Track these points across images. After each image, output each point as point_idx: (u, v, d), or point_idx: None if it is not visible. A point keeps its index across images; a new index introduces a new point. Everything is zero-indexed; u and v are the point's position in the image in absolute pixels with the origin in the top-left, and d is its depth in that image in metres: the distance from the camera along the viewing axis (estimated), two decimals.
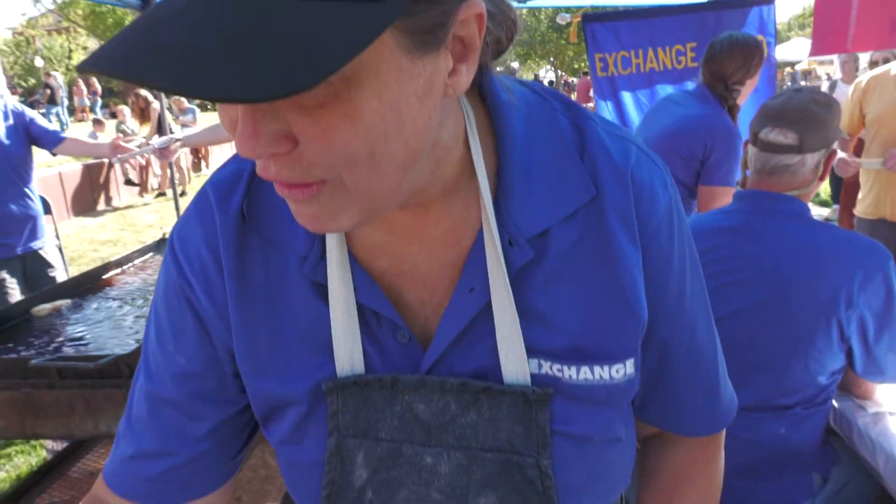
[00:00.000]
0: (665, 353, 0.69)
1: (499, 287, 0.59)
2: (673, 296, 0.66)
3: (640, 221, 0.62)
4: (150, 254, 3.08)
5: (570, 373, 0.62)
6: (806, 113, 1.52)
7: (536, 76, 31.20)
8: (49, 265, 3.14)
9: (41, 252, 3.10)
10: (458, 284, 0.61)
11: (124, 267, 2.85)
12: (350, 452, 0.64)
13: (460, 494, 0.63)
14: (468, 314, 0.61)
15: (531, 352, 0.61)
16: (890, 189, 3.01)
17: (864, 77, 3.01)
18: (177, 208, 4.63)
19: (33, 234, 3.06)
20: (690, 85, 3.45)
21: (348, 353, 0.62)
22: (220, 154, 13.56)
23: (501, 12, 0.56)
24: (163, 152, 2.87)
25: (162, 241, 3.20)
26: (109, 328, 2.10)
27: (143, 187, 10.20)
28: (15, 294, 2.93)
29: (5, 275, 2.94)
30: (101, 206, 9.22)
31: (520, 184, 0.59)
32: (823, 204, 7.48)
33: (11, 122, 2.93)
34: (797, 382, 1.49)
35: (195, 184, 11.01)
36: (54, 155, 3.14)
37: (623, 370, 0.63)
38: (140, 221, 8.31)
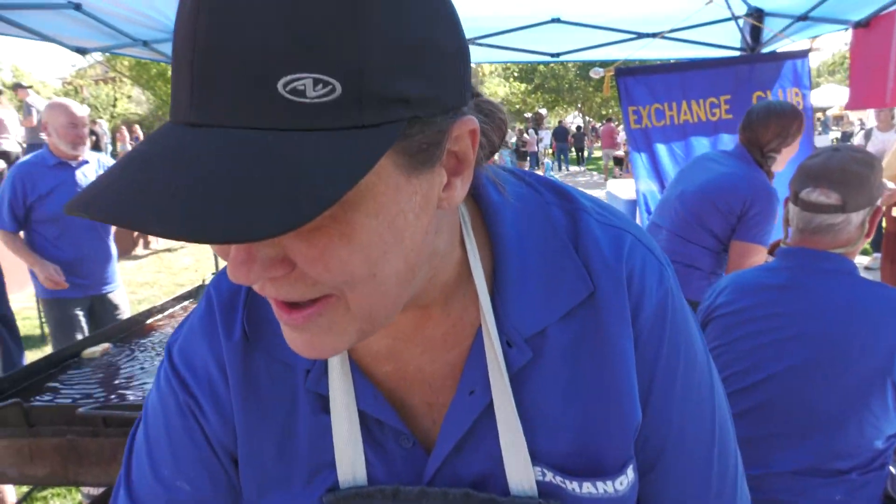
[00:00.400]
0: (651, 452, 0.64)
1: (499, 389, 0.58)
2: (658, 391, 0.62)
3: (632, 313, 0.59)
4: (191, 300, 3.15)
5: (573, 486, 0.60)
6: (847, 173, 1.51)
7: (561, 122, 31.52)
8: (116, 307, 3.29)
9: (110, 295, 3.27)
10: (459, 387, 0.60)
11: (166, 312, 2.91)
12: None
13: None
14: (470, 417, 0.59)
15: (534, 458, 0.59)
16: None
17: None
18: (216, 255, 4.73)
19: (108, 278, 3.25)
20: (726, 138, 3.47)
21: (350, 463, 0.61)
22: None
23: (493, 120, 0.56)
24: None
25: (201, 287, 3.28)
26: (150, 374, 2.14)
27: None
28: (83, 334, 3.07)
29: (78, 313, 3.11)
30: (140, 249, 9.47)
31: (516, 284, 0.58)
32: (863, 252, 7.32)
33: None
34: (852, 446, 1.43)
35: None
36: None
37: (626, 480, 0.61)
38: (176, 264, 8.50)
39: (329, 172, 0.36)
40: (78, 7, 2.98)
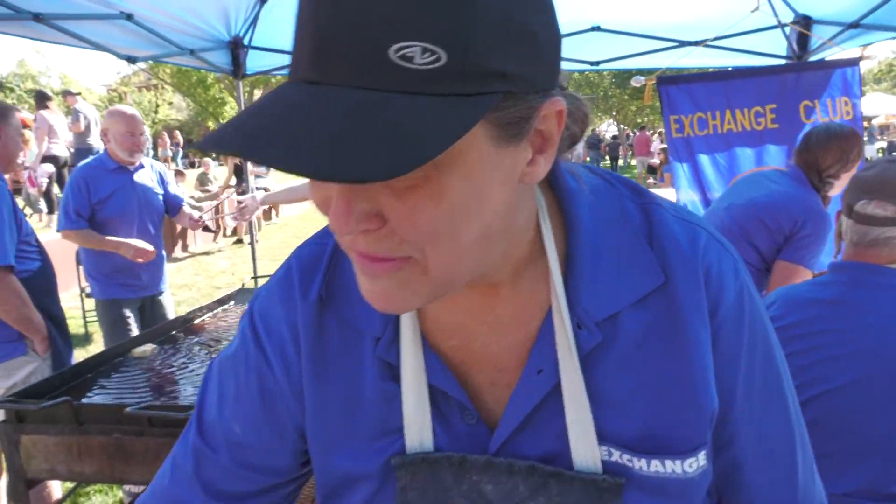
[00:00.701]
0: (734, 446, 0.65)
1: (569, 369, 0.59)
2: (741, 385, 0.64)
3: (710, 307, 0.61)
4: (231, 303, 3.21)
5: (640, 464, 0.60)
6: None
7: (594, 130, 31.27)
8: (164, 309, 3.42)
9: (160, 297, 3.39)
10: (527, 366, 0.61)
11: (208, 315, 2.97)
12: None
13: None
14: (536, 396, 0.60)
15: (601, 438, 0.60)
16: None
17: None
18: (253, 257, 4.81)
19: (159, 280, 3.38)
20: (772, 149, 3.39)
21: (418, 431, 0.63)
22: (291, 206, 14.11)
23: (578, 109, 0.59)
24: (241, 211, 3.08)
25: (240, 290, 3.34)
26: (191, 374, 2.18)
27: (217, 233, 10.70)
28: (133, 334, 3.16)
29: (130, 314, 3.22)
30: (178, 251, 9.68)
31: (588, 268, 0.60)
32: None
33: (157, 178, 3.37)
34: None
35: (266, 232, 11.46)
36: (172, 218, 3.51)
37: (696, 463, 0.61)
38: (213, 267, 8.67)
39: (429, 133, 0.40)
40: (129, 17, 3.07)
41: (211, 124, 32.08)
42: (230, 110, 30.43)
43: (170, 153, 22.19)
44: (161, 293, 3.39)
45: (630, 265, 0.60)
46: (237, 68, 4.23)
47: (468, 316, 0.63)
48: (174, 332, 2.71)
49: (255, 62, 4.33)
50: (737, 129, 3.37)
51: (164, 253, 3.41)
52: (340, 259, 0.66)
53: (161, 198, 3.37)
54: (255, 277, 4.24)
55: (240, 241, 10.57)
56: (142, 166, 3.24)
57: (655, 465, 0.60)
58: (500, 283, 0.61)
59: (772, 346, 0.66)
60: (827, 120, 3.31)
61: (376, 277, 0.50)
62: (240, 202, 3.25)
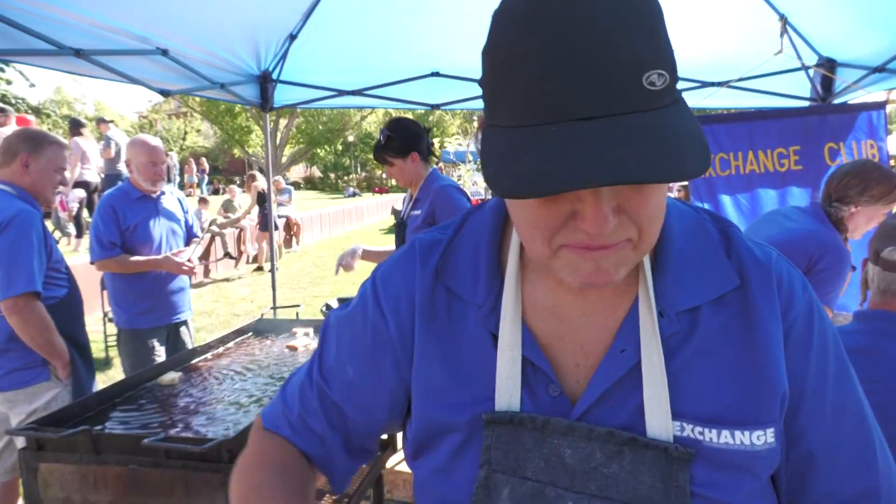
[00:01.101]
0: (806, 440, 0.71)
1: (650, 350, 0.67)
2: (812, 379, 0.71)
3: (782, 309, 0.70)
4: (250, 333, 3.22)
5: (710, 435, 0.66)
6: None
7: None
8: (186, 336, 3.45)
9: (183, 326, 3.42)
10: (612, 346, 0.69)
11: (227, 345, 2.99)
12: (497, 487, 0.69)
13: None
14: (618, 372, 0.68)
15: (675, 415, 0.66)
16: None
17: None
18: (273, 286, 4.84)
19: (184, 305, 3.42)
20: (795, 191, 3.36)
21: (508, 394, 0.70)
22: (311, 234, 14.25)
23: None
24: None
25: (259, 321, 3.35)
26: (207, 407, 2.19)
27: (238, 260, 10.82)
28: (160, 359, 3.20)
29: (156, 343, 3.25)
30: (200, 277, 9.80)
31: (673, 269, 0.70)
32: None
33: (178, 205, 3.47)
34: None
35: (285, 259, 11.56)
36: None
37: (764, 437, 0.67)
38: (233, 294, 8.76)
39: (699, 131, 0.56)
40: (165, 52, 3.17)
41: (237, 152, 32.70)
42: (256, 138, 31.03)
43: (195, 179, 22.64)
44: (186, 319, 3.42)
45: (710, 270, 0.71)
46: (265, 101, 4.33)
47: (564, 301, 0.72)
48: (193, 361, 2.72)
49: (282, 95, 4.43)
50: (759, 171, 3.36)
51: (187, 279, 3.45)
52: (457, 245, 0.79)
53: (183, 224, 3.45)
54: (275, 308, 4.26)
55: (260, 269, 10.67)
56: (163, 193, 3.32)
57: (725, 437, 0.66)
58: None
59: (844, 357, 0.75)
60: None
61: (600, 261, 0.61)
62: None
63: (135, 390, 2.34)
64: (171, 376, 2.45)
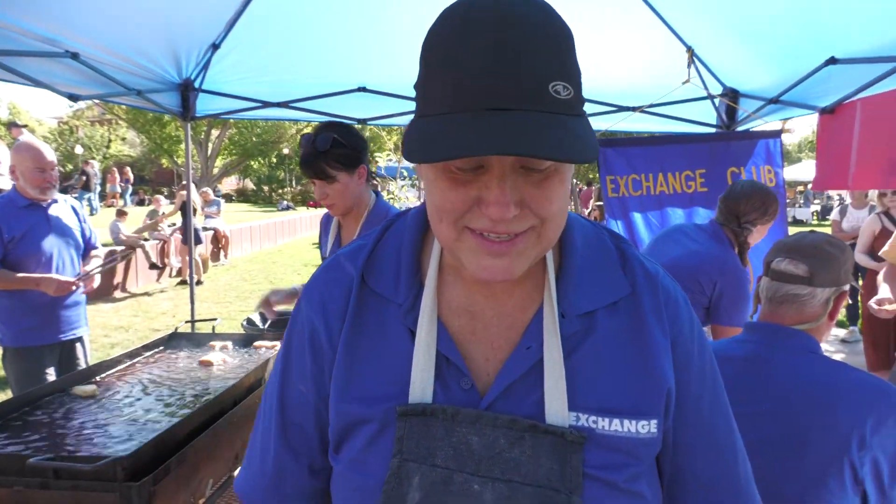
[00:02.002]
0: (687, 436, 0.81)
1: (551, 347, 0.75)
2: (694, 389, 0.80)
3: (669, 319, 0.79)
4: (161, 347, 3.10)
5: (603, 423, 0.74)
6: (818, 249, 1.56)
7: None
8: (84, 352, 3.22)
9: (79, 342, 3.20)
10: (519, 343, 0.77)
11: (137, 359, 2.86)
12: (408, 475, 0.74)
13: None
14: (523, 367, 0.75)
15: (572, 406, 0.74)
16: None
17: None
18: (192, 300, 4.68)
19: (78, 321, 3.18)
20: (701, 211, 3.57)
21: (421, 387, 0.76)
22: (239, 248, 13.87)
23: None
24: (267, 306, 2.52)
25: (173, 335, 3.22)
26: (110, 424, 2.09)
27: (161, 272, 10.39)
28: (51, 379, 2.97)
29: (48, 361, 3.01)
30: (118, 292, 9.35)
31: (575, 275, 0.79)
32: (840, 325, 7.37)
33: (73, 215, 3.22)
34: None
35: (212, 273, 11.19)
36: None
37: (648, 427, 0.75)
38: (154, 308, 8.39)
39: (591, 137, 0.65)
40: (75, 56, 3.05)
41: (165, 162, 31.50)
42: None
43: (119, 189, 21.64)
44: (80, 338, 3.20)
45: (607, 278, 0.80)
46: (186, 111, 4.23)
47: (477, 302, 0.80)
48: (95, 378, 2.59)
49: (204, 105, 4.34)
50: (668, 192, 3.55)
51: (81, 293, 3.21)
52: (380, 249, 0.85)
53: (79, 233, 3.21)
54: (192, 321, 4.12)
55: (184, 283, 10.27)
56: (55, 201, 3.10)
57: (615, 425, 0.74)
58: (510, 282, 0.75)
59: (717, 370, 0.85)
60: None
61: (501, 255, 0.68)
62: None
63: (19, 412, 2.21)
64: (91, 388, 2.36)
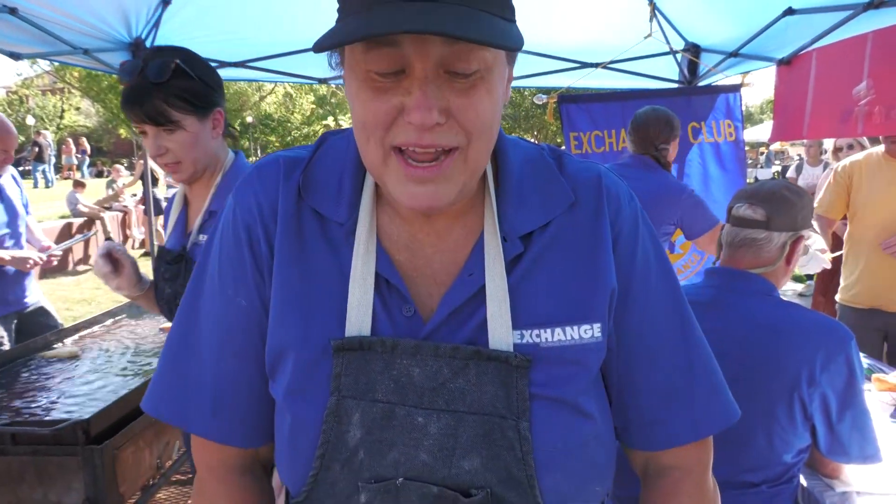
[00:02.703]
0: (633, 337, 0.79)
1: (494, 272, 0.73)
2: (637, 277, 0.79)
3: (611, 217, 0.77)
4: (123, 315, 3.04)
5: (546, 335, 0.73)
6: (776, 195, 1.60)
7: None
8: (46, 321, 3.12)
9: (36, 309, 3.11)
10: (461, 272, 0.75)
11: (96, 328, 2.81)
12: (347, 412, 0.71)
13: (446, 456, 0.70)
14: (466, 293, 0.73)
15: (516, 325, 0.72)
16: (881, 278, 2.92)
17: (846, 161, 3.06)
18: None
19: (28, 292, 3.09)
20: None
21: (358, 319, 0.73)
22: None
23: None
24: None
25: (132, 304, 3.16)
26: (72, 391, 2.05)
27: (124, 244, 10.16)
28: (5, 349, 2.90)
29: (2, 332, 2.93)
30: (81, 265, 9.12)
31: (514, 197, 0.76)
32: (797, 279, 7.62)
33: (14, 183, 3.12)
34: (762, 459, 1.48)
35: None
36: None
37: (591, 331, 0.74)
38: None
39: (513, 33, 0.63)
40: (13, 11, 2.89)
41: (123, 132, 30.45)
42: None
43: (75, 161, 20.93)
44: (35, 305, 3.10)
45: (547, 193, 0.77)
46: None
47: (416, 238, 0.77)
48: (55, 345, 2.54)
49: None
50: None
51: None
52: (317, 161, 0.80)
53: (21, 201, 3.11)
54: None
55: (148, 254, 10.07)
56: (1, 174, 2.99)
57: (558, 334, 0.73)
58: (450, 216, 0.76)
59: (667, 264, 0.83)
60: (712, 140, 3.56)
61: (425, 181, 0.66)
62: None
63: None
64: (72, 349, 2.37)
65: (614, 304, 0.77)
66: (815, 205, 3.16)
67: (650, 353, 0.80)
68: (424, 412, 0.70)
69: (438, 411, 0.70)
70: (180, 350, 0.82)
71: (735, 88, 3.60)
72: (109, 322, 2.92)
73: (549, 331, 0.73)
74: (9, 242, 2.98)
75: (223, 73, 4.37)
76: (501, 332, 0.72)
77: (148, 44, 3.96)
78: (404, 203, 0.68)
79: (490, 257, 0.74)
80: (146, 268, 4.20)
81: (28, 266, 2.90)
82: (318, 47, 0.61)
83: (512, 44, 0.60)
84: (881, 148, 2.96)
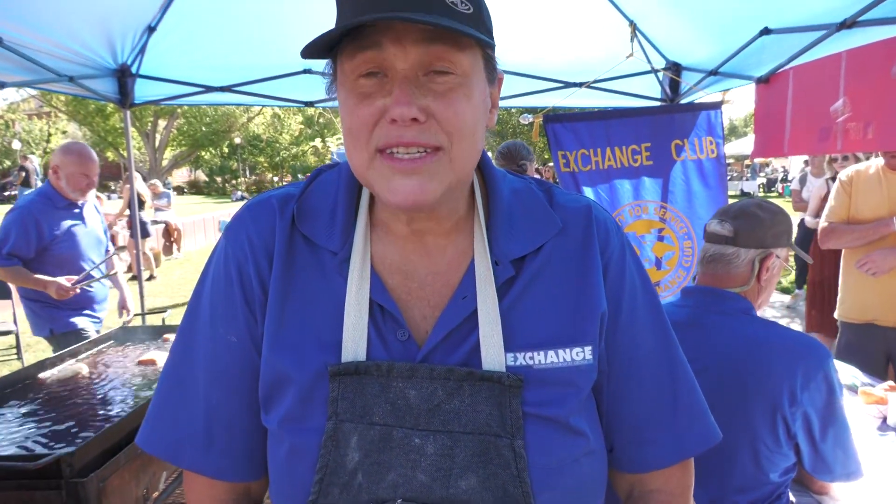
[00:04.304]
0: (622, 360, 0.82)
1: (486, 295, 0.75)
2: (627, 305, 0.82)
3: (600, 245, 0.81)
4: (111, 342, 3.01)
5: (539, 357, 0.75)
6: (745, 212, 1.62)
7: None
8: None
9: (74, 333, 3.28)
10: (454, 294, 0.77)
11: (82, 356, 2.77)
12: (345, 436, 0.72)
13: (444, 476, 0.71)
14: (460, 316, 0.75)
15: (508, 347, 0.74)
16: (874, 291, 2.91)
17: (851, 170, 3.07)
18: (141, 293, 4.55)
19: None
20: (647, 182, 3.65)
21: (354, 344, 0.74)
22: (192, 241, 13.53)
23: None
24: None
25: (121, 329, 3.14)
26: (50, 423, 2.03)
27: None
28: None
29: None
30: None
31: (504, 223, 0.80)
32: (784, 291, 7.66)
33: (97, 213, 3.39)
34: (749, 479, 1.48)
35: (165, 267, 10.90)
36: None
37: (582, 353, 0.77)
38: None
39: (487, 36, 0.70)
40: None
41: (110, 155, 30.34)
42: (132, 141, 28.78)
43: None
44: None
45: (535, 222, 0.81)
46: (124, 97, 4.07)
47: (410, 260, 0.79)
48: (40, 375, 2.50)
49: (143, 91, 4.19)
50: (616, 166, 3.60)
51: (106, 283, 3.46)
52: (310, 195, 0.82)
53: (102, 230, 3.37)
54: (143, 314, 4.01)
55: (136, 278, 9.98)
56: (86, 201, 3.22)
57: (551, 357, 0.75)
58: (444, 238, 0.79)
59: (653, 291, 0.87)
60: (695, 157, 3.61)
61: (412, 174, 0.68)
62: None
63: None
64: (76, 367, 2.44)
65: (605, 327, 0.80)
66: (826, 212, 3.15)
67: (638, 375, 0.83)
68: (421, 433, 0.72)
69: (435, 432, 0.72)
70: (173, 386, 0.83)
71: (716, 105, 3.66)
72: (95, 350, 2.89)
73: (541, 353, 0.75)
74: (88, 266, 3.20)
75: (209, 97, 4.39)
76: (494, 354, 0.73)
77: (134, 70, 3.99)
78: (391, 201, 0.69)
79: (481, 280, 0.76)
80: (134, 291, 4.18)
81: (58, 294, 3.02)
82: (308, 49, 0.66)
83: (481, 39, 0.66)
84: (881, 161, 2.97)
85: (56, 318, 3.20)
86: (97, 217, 3.35)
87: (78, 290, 3.15)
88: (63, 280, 3.06)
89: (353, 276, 0.76)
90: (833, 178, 5.22)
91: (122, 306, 3.53)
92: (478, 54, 0.71)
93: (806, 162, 7.05)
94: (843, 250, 3.12)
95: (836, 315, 3.20)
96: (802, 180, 7.00)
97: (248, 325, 0.79)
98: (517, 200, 0.83)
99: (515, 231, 0.80)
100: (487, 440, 0.71)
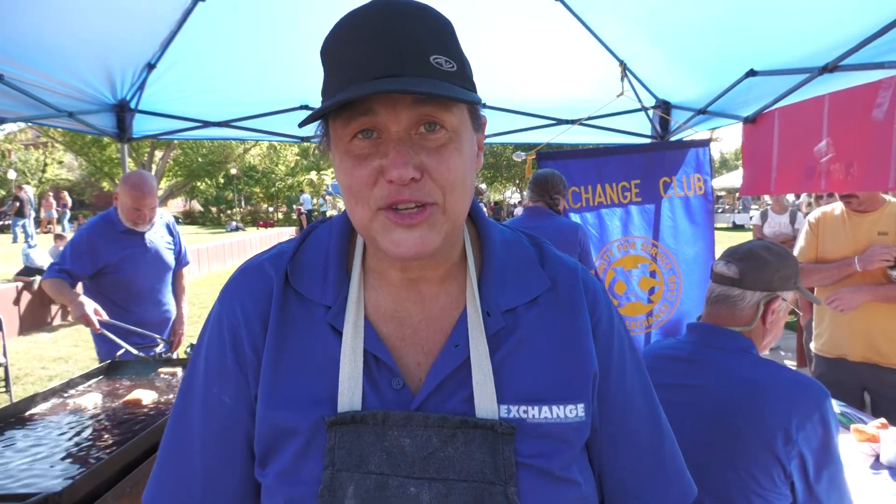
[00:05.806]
0: (614, 419, 0.85)
1: (477, 344, 0.77)
2: (615, 365, 0.85)
3: (589, 306, 0.84)
4: (101, 377, 2.98)
5: (532, 412, 0.76)
6: (752, 253, 1.63)
7: (496, 203, 32.74)
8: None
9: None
10: (447, 342, 0.79)
11: (71, 391, 2.74)
12: (342, 485, 0.73)
13: None
14: (453, 364, 0.77)
15: (501, 399, 0.76)
16: (844, 327, 2.96)
17: (818, 211, 3.12)
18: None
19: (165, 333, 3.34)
20: (636, 219, 3.69)
21: (350, 394, 0.76)
22: (186, 270, 13.45)
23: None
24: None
25: (111, 365, 3.10)
26: (40, 460, 2.00)
27: None
28: None
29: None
30: (58, 320, 8.95)
31: (496, 275, 0.82)
32: (790, 327, 7.63)
33: (168, 233, 3.44)
34: None
35: None
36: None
37: (575, 411, 0.79)
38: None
39: (471, 96, 0.72)
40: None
41: (106, 185, 30.43)
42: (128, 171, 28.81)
43: (55, 214, 20.79)
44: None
45: (526, 276, 0.84)
46: (122, 132, 4.12)
47: (404, 307, 0.81)
48: (28, 412, 2.48)
49: (141, 126, 4.24)
50: (606, 203, 3.66)
51: (170, 308, 3.47)
52: (303, 252, 0.85)
53: (172, 253, 3.36)
54: (139, 346, 3.97)
55: None
56: (152, 224, 3.24)
57: (544, 412, 0.77)
58: (437, 285, 0.82)
59: (637, 353, 0.90)
60: (682, 195, 3.67)
61: (413, 228, 0.71)
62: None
63: None
64: (95, 399, 2.43)
65: (596, 386, 0.82)
66: (796, 253, 3.21)
67: (627, 434, 0.86)
68: (416, 482, 0.73)
69: (430, 480, 0.73)
70: (174, 443, 0.86)
71: (705, 143, 3.73)
72: (85, 385, 2.86)
73: (535, 408, 0.77)
74: (147, 291, 3.23)
75: (207, 132, 4.44)
76: (487, 402, 0.75)
77: (132, 105, 4.04)
78: (393, 252, 0.72)
79: (473, 330, 0.78)
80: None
81: (76, 316, 2.99)
82: (306, 121, 0.69)
83: (469, 98, 0.70)
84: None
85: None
86: (165, 237, 3.33)
87: (98, 330, 3.11)
88: (92, 311, 3.00)
89: (347, 327, 0.78)
90: (792, 219, 5.31)
91: (177, 329, 3.52)
92: (464, 108, 0.75)
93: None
94: (816, 287, 3.17)
95: (811, 347, 3.24)
96: (763, 216, 7.19)
97: (240, 387, 0.81)
98: (508, 252, 0.86)
99: (507, 283, 0.82)
100: (481, 487, 0.73)
